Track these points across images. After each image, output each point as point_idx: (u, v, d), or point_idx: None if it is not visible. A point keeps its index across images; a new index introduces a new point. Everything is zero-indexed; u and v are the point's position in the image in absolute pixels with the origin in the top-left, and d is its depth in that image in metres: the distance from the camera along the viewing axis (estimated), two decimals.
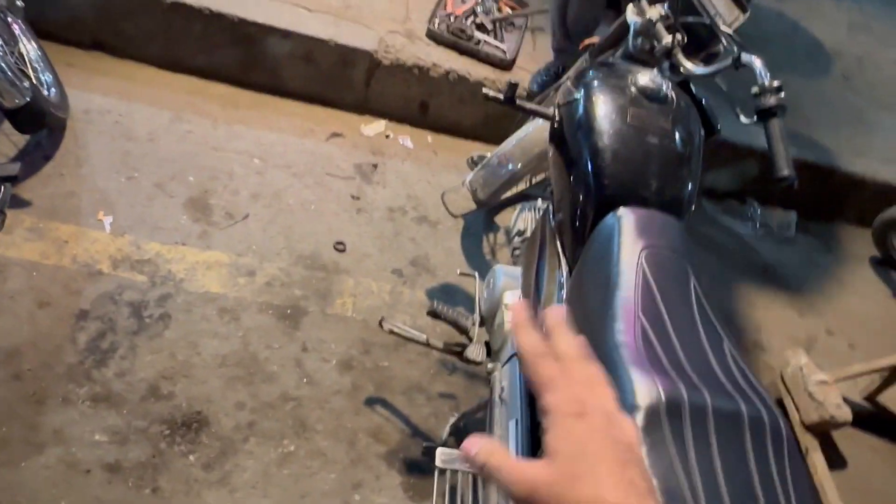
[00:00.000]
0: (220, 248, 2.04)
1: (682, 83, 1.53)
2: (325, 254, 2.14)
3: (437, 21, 2.64)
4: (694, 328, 1.05)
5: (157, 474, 1.58)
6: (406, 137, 2.63)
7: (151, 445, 1.61)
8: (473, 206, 2.13)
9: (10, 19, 2.03)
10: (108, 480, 1.53)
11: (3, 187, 1.58)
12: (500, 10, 2.80)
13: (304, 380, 1.84)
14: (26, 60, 2.03)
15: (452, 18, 2.67)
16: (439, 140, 2.67)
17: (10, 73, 1.79)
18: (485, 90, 1.64)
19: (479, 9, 2.76)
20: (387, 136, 2.60)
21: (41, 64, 2.14)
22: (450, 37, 2.63)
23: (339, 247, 2.17)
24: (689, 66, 1.47)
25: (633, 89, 1.39)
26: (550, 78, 2.52)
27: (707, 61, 1.51)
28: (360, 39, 2.52)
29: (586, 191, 1.31)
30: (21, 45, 2.06)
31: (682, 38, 1.49)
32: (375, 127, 2.62)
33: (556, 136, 1.44)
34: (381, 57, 2.52)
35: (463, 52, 2.64)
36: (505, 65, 2.65)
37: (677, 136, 1.36)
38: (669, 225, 1.23)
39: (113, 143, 2.19)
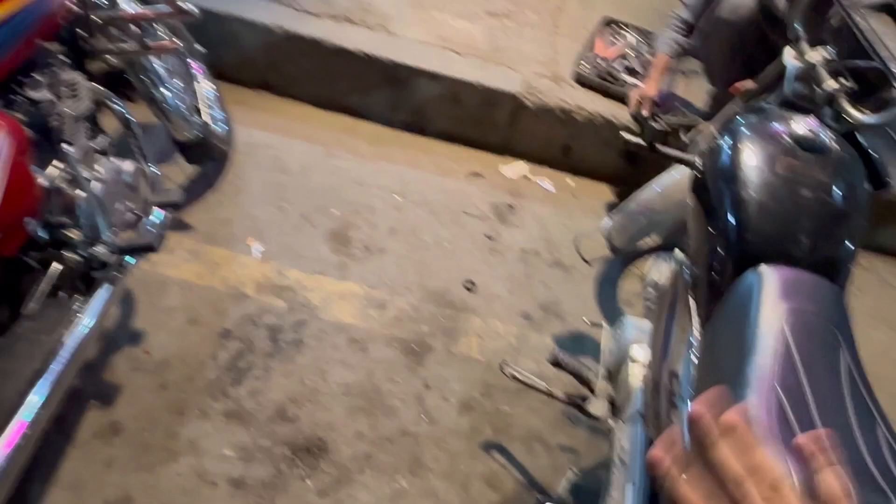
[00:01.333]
0: (354, 280, 2.11)
1: (848, 133, 1.39)
2: (455, 292, 2.15)
3: (584, 64, 2.62)
4: (841, 406, 0.92)
5: (276, 494, 1.63)
6: (546, 180, 2.60)
7: (273, 466, 1.67)
8: (608, 252, 2.05)
9: (189, 61, 2.26)
10: (231, 495, 1.61)
11: (167, 212, 1.73)
12: (651, 53, 2.72)
13: (424, 417, 1.84)
14: (201, 99, 2.24)
15: (601, 61, 2.63)
16: (580, 183, 2.62)
17: (185, 111, 1.97)
18: (624, 134, 1.58)
19: (629, 51, 2.70)
20: (526, 178, 2.59)
21: (214, 102, 2.35)
22: (597, 80, 2.59)
23: (470, 286, 2.17)
24: (857, 114, 1.33)
25: (787, 138, 1.28)
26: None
27: (877, 109, 1.36)
28: (505, 82, 2.55)
29: (726, 244, 1.21)
30: (198, 85, 2.28)
31: (849, 84, 1.36)
32: (516, 168, 2.62)
33: (698, 186, 1.35)
34: (526, 99, 2.53)
35: (610, 95, 2.58)
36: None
37: (836, 189, 1.23)
38: (820, 287, 1.10)
39: (269, 176, 2.35)
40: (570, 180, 2.63)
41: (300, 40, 2.54)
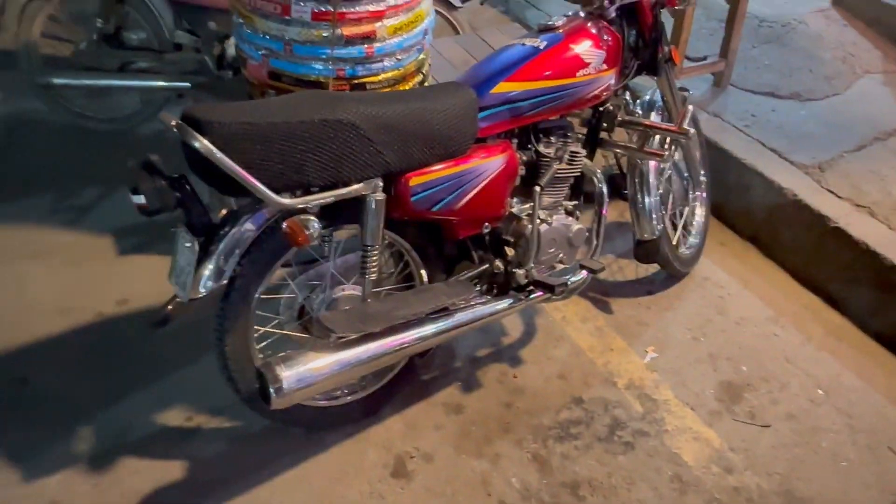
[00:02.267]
0: (719, 432, 2.01)
1: None
2: None
3: None
4: None
5: None
6: None
7: None
8: None
9: (690, 186, 2.51)
10: None
11: (585, 275, 2.01)
12: None
13: None
14: (682, 217, 2.47)
15: None
16: None
17: (653, 212, 2.22)
18: None
19: None
20: None
21: (696, 228, 2.55)
22: None
23: None
24: None
25: None
26: None
27: None
28: None
29: None
30: (688, 207, 2.52)
31: None
32: None
33: None
34: None
35: None
36: None
37: None
38: None
39: (704, 309, 2.42)
40: None
41: (808, 211, 2.53)
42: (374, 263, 1.64)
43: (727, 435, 2.01)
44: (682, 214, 2.51)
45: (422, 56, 2.06)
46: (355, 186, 1.54)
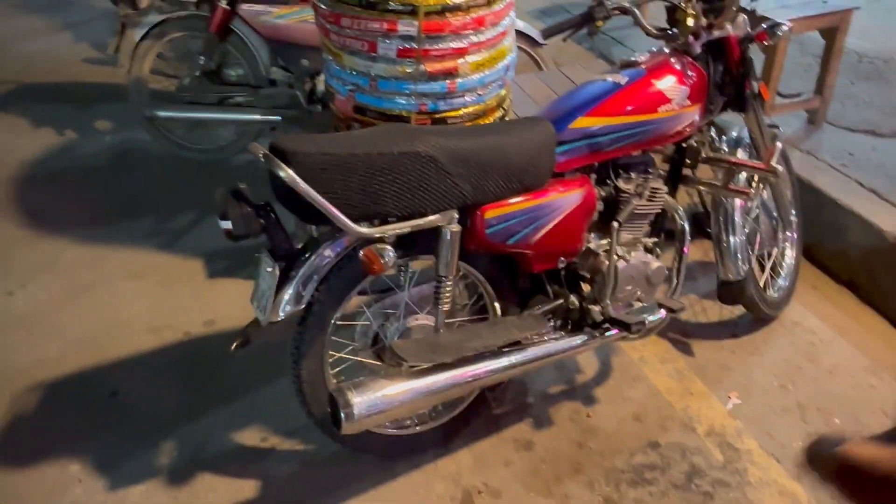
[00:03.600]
0: (807, 488, 1.89)
1: None
2: None
3: None
4: None
5: None
6: None
7: None
8: None
9: (780, 226, 2.41)
10: None
11: (664, 314, 1.95)
12: None
13: None
14: (772, 258, 2.37)
15: None
16: None
17: (738, 252, 2.14)
18: None
19: None
20: None
21: (786, 270, 2.44)
22: None
23: None
24: None
25: None
26: None
27: None
28: None
29: None
30: (777, 248, 2.41)
31: None
32: None
33: None
34: None
35: None
36: None
37: None
38: None
39: (792, 356, 2.30)
40: None
41: None
42: (447, 294, 1.66)
43: (815, 491, 1.89)
44: (770, 256, 2.41)
45: (503, 91, 2.08)
46: (431, 218, 1.57)
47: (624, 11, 2.00)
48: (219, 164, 3.24)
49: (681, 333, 2.37)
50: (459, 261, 1.66)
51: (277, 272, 1.54)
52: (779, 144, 2.03)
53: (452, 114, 1.97)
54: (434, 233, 1.60)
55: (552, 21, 2.86)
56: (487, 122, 2.05)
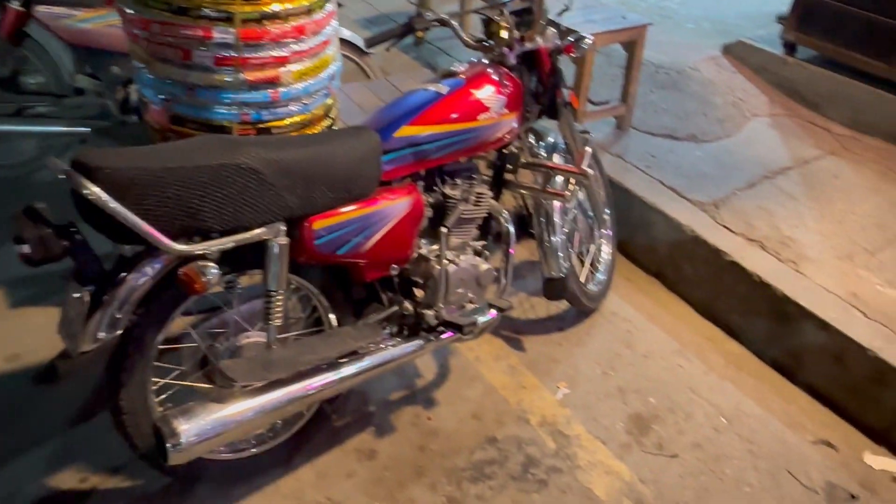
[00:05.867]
0: (629, 465, 2.06)
1: None
2: None
3: None
4: None
5: None
6: None
7: None
8: None
9: (595, 224, 2.60)
10: None
11: (495, 314, 2.04)
12: None
13: None
14: (590, 255, 2.55)
15: None
16: None
17: (559, 250, 2.28)
18: None
19: None
20: (894, 479, 2.14)
21: (602, 265, 2.63)
22: None
23: None
24: None
25: None
26: None
27: None
28: None
29: None
30: (594, 245, 2.60)
31: None
32: (885, 463, 2.18)
33: None
34: None
35: None
36: None
37: None
38: None
39: (612, 344, 2.49)
40: None
41: (705, 246, 2.66)
42: (278, 309, 1.61)
43: (637, 467, 2.06)
44: (588, 252, 2.59)
45: (329, 101, 2.07)
46: (257, 231, 1.52)
47: (443, 23, 2.07)
48: (22, 180, 2.93)
49: (512, 331, 2.48)
50: (290, 273, 1.63)
51: (87, 297, 1.42)
52: (588, 149, 2.19)
53: (277, 124, 1.92)
54: (261, 246, 1.56)
55: (378, 30, 2.88)
56: (314, 131, 2.03)
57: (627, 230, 2.89)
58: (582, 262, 2.55)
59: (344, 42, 2.51)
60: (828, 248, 2.68)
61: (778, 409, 2.32)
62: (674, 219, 2.78)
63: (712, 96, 3.66)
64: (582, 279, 2.49)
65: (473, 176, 1.99)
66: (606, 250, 2.68)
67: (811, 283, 2.49)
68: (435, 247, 1.94)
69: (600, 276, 2.64)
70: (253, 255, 1.57)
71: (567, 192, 2.14)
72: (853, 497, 2.07)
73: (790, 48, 3.80)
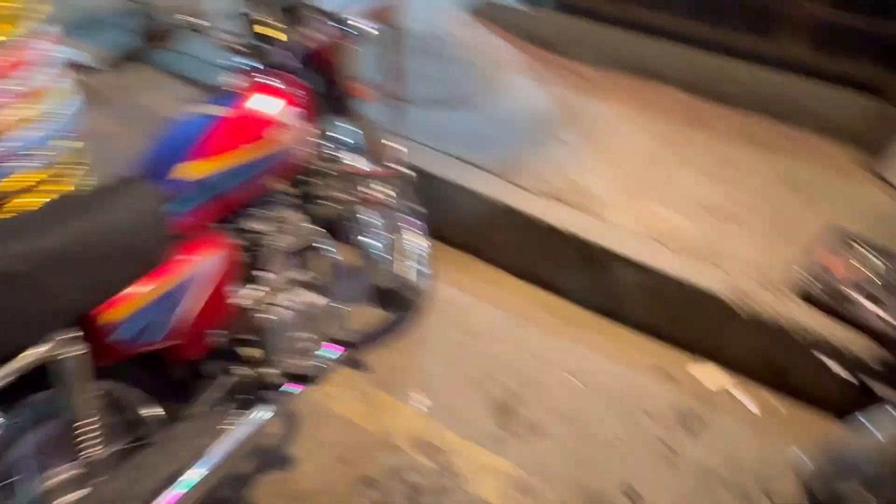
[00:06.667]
0: (510, 458, 2.00)
1: None
2: (614, 497, 1.93)
3: (809, 278, 2.38)
4: None
5: None
6: (748, 398, 2.32)
7: None
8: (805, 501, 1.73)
9: (404, 216, 2.46)
10: None
11: (342, 349, 1.83)
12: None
13: None
14: (407, 252, 2.40)
15: (829, 278, 2.38)
16: (792, 410, 2.29)
17: (386, 260, 2.12)
18: (833, 366, 1.38)
19: (869, 274, 2.41)
20: (726, 391, 2.34)
21: (420, 258, 2.50)
22: (824, 298, 2.32)
23: (632, 494, 1.94)
24: None
25: None
26: None
27: None
28: (716, 283, 2.39)
29: None
30: (407, 240, 2.46)
31: None
32: (714, 378, 2.38)
33: None
34: (736, 307, 2.34)
35: (838, 317, 2.29)
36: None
37: None
38: None
39: (452, 334, 2.40)
40: (778, 403, 2.31)
41: (508, 211, 2.66)
42: (91, 434, 1.25)
43: (517, 458, 2.01)
44: (405, 246, 2.44)
45: (73, 144, 1.64)
46: (35, 351, 1.14)
47: (193, 28, 1.72)
48: None
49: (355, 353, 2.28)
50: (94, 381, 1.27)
51: None
52: (389, 143, 2.02)
53: (8, 184, 1.48)
54: (47, 365, 1.17)
55: (97, 39, 2.39)
56: (67, 188, 1.61)
57: (433, 212, 2.77)
58: (402, 259, 2.40)
59: (70, 64, 2.02)
60: (617, 190, 2.81)
61: (616, 353, 2.42)
62: (472, 190, 2.73)
63: (474, 59, 3.66)
64: (405, 276, 2.35)
65: (280, 202, 1.73)
66: (418, 240, 2.55)
67: (614, 227, 2.60)
68: (259, 295, 1.65)
69: (420, 268, 2.51)
70: (37, 378, 1.19)
71: (378, 194, 1.97)
72: (700, 418, 2.22)
73: (534, 0, 3.93)
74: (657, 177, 2.90)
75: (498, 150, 2.98)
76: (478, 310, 2.52)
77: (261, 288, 1.64)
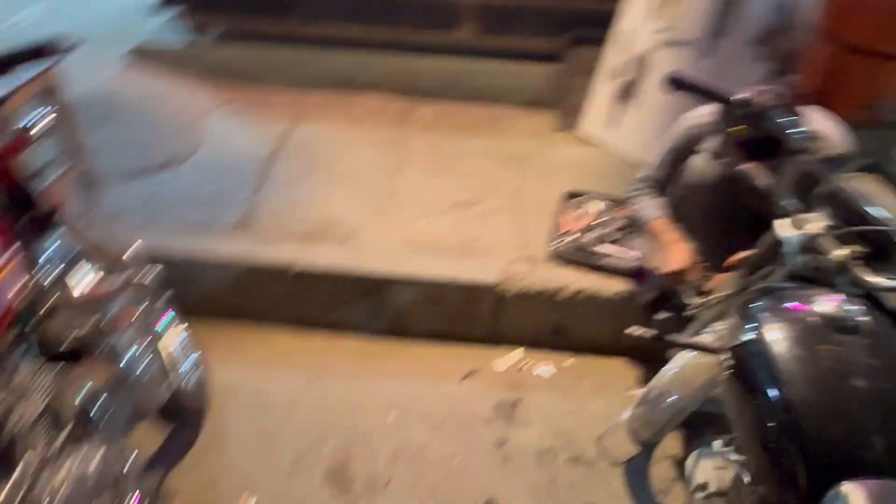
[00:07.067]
0: None
1: (868, 298, 1.31)
2: None
3: (557, 242, 2.58)
4: None
5: None
6: (543, 365, 2.47)
7: None
8: (635, 447, 1.88)
9: (152, 315, 2.14)
10: None
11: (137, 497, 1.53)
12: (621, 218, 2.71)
13: None
14: (169, 355, 2.09)
15: (571, 236, 2.61)
16: (580, 363, 2.49)
17: (151, 372, 1.82)
18: (630, 331, 1.48)
19: (599, 220, 2.69)
20: (521, 368, 2.46)
21: (183, 352, 2.19)
22: (573, 256, 2.54)
23: None
24: (878, 280, 1.25)
25: (817, 320, 1.19)
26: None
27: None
28: (483, 273, 2.48)
29: (789, 461, 1.07)
30: (165, 339, 2.13)
31: (860, 249, 1.29)
32: (509, 359, 2.49)
33: (736, 385, 1.23)
34: (507, 287, 2.46)
35: (589, 268, 2.53)
36: (635, 273, 2.50)
37: (890, 371, 1.12)
38: None
39: (252, 418, 2.17)
40: (569, 361, 2.50)
41: (262, 267, 2.47)
42: None
43: None
44: (161, 352, 2.12)
45: None
46: None
47: None
48: None
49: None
50: None
51: None
52: (116, 241, 1.72)
53: None
54: None
55: None
56: None
57: (179, 290, 2.46)
58: (164, 367, 2.08)
59: None
60: (364, 211, 2.75)
61: (420, 371, 2.40)
62: (217, 256, 2.48)
63: (158, 112, 3.29)
64: (174, 386, 2.04)
65: (3, 358, 1.37)
66: (177, 331, 2.22)
67: (375, 250, 2.56)
68: (15, 490, 1.29)
69: (186, 367, 2.19)
70: None
71: (129, 315, 1.67)
72: (515, 403, 2.31)
73: (201, 32, 3.65)
74: (399, 186, 2.91)
75: (225, 205, 2.74)
76: (270, 381, 2.31)
77: (18, 478, 1.29)
